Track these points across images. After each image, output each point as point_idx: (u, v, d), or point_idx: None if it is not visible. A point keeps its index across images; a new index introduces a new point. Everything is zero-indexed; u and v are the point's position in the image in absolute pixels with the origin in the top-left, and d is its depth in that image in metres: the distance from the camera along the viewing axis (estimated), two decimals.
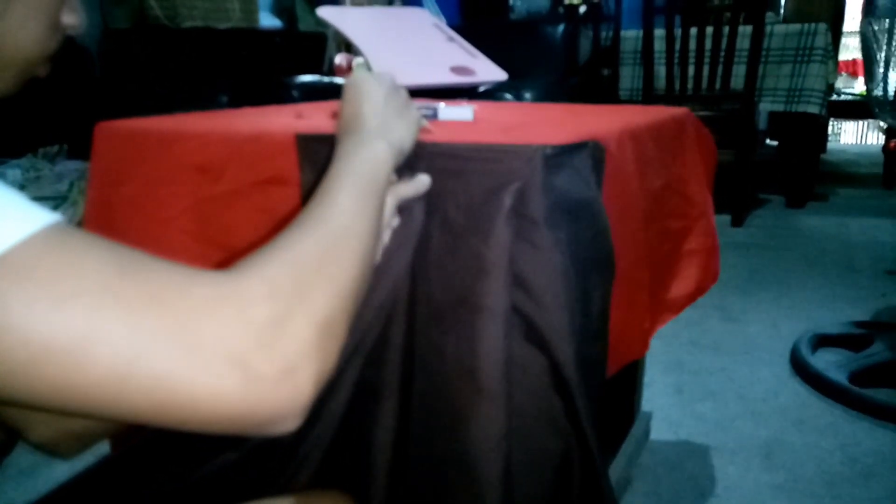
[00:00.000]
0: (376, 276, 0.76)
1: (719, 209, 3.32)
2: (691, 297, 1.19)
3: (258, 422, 0.40)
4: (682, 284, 1.20)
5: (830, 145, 5.59)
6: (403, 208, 0.72)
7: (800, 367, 1.76)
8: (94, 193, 0.96)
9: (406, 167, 0.72)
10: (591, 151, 0.78)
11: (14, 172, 1.50)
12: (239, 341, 0.39)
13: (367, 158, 0.59)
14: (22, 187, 1.37)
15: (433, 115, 0.99)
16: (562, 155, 0.72)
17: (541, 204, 0.69)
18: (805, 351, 1.81)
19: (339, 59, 2.79)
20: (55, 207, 1.29)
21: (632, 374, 1.34)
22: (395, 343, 0.75)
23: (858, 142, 7.13)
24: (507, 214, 0.69)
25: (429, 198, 0.73)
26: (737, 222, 3.15)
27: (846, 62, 5.97)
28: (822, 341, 1.90)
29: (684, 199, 1.18)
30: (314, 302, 0.43)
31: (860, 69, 6.80)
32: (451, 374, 0.71)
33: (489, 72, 2.18)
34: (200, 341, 0.38)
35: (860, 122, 7.15)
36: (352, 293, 0.48)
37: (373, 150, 0.61)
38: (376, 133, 0.63)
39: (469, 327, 0.70)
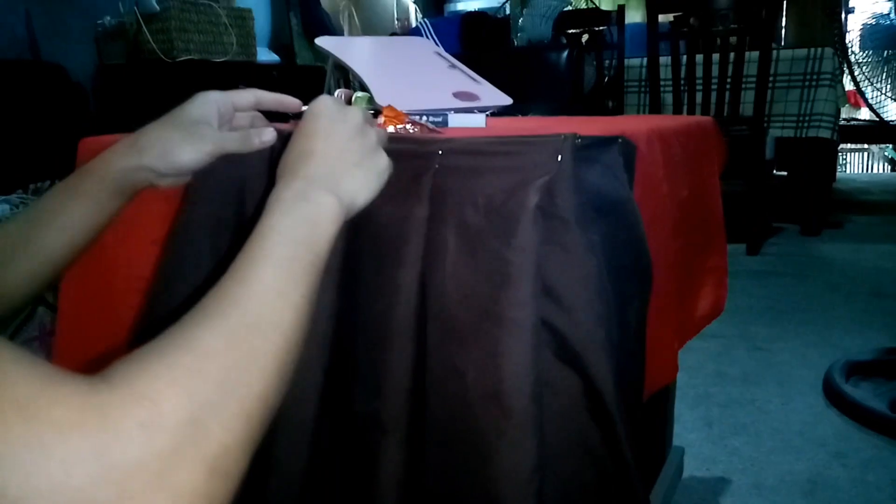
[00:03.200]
0: (367, 293, 0.68)
1: (732, 238, 3.23)
2: (708, 319, 1.10)
3: None
4: (701, 304, 1.11)
5: (839, 174, 5.53)
6: (401, 217, 0.64)
7: (835, 397, 1.65)
8: None
9: (411, 169, 0.65)
10: (621, 148, 0.70)
11: (2, 207, 1.45)
12: (104, 496, 0.28)
13: (306, 217, 0.48)
14: None
15: (443, 123, 0.92)
16: (592, 148, 0.65)
17: (571, 201, 0.61)
18: (839, 379, 1.70)
19: (338, 93, 2.76)
20: None
21: (661, 405, 1.25)
22: (400, 368, 0.66)
23: (865, 171, 7.09)
24: (534, 214, 0.60)
25: (441, 200, 0.65)
26: (752, 251, 3.06)
27: (849, 92, 5.93)
28: (856, 369, 1.79)
29: (707, 211, 1.10)
30: (210, 435, 0.33)
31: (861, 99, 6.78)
32: (473, 398, 0.62)
33: (493, 97, 2.12)
34: (52, 478, 0.27)
35: (865, 154, 7.12)
36: (260, 414, 0.37)
37: (316, 205, 0.49)
38: (324, 182, 0.52)
39: (492, 343, 0.61)
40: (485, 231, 0.62)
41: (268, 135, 0.63)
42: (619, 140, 0.69)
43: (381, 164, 0.59)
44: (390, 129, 0.84)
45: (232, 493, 0.34)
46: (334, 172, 0.53)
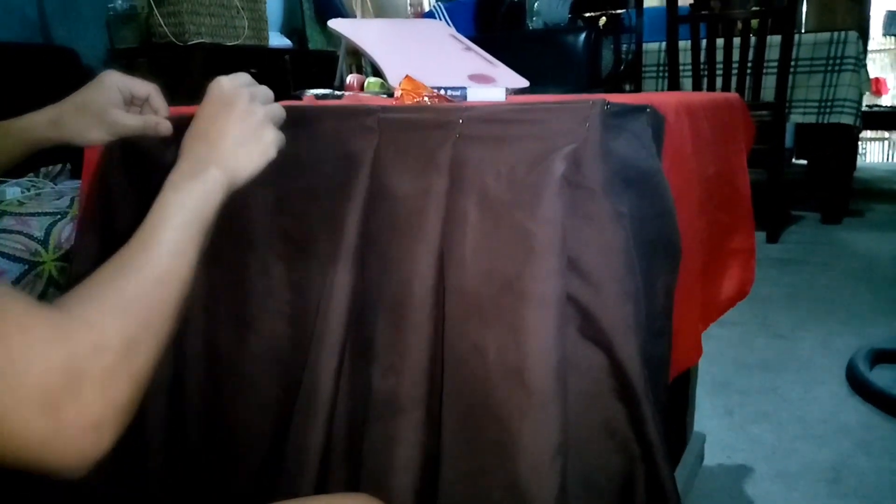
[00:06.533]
0: (385, 268, 0.65)
1: None
2: (732, 301, 1.07)
3: (52, 467, 0.40)
4: (726, 285, 1.08)
5: (859, 163, 5.45)
6: (419, 189, 0.62)
7: (859, 385, 1.61)
8: (89, 188, 0.87)
9: (429, 139, 0.63)
10: (649, 118, 0.67)
11: (13, 190, 1.45)
12: (58, 388, 0.39)
13: (197, 192, 0.57)
14: (20, 204, 1.32)
15: (462, 97, 0.89)
16: (620, 115, 0.62)
17: (599, 170, 0.58)
18: (863, 367, 1.66)
19: (350, 78, 2.73)
20: (55, 223, 1.23)
21: (683, 390, 1.22)
22: (418, 345, 0.64)
23: (885, 160, 6.99)
24: (559, 183, 0.58)
25: (461, 171, 0.62)
26: (772, 238, 3.01)
27: (871, 80, 5.82)
28: (880, 357, 1.75)
29: (734, 190, 1.07)
30: (138, 359, 0.44)
31: (883, 87, 6.67)
32: (494, 376, 0.60)
33: (509, 79, 2.09)
34: (20, 378, 0.38)
35: (885, 143, 7.02)
36: (166, 342, 0.48)
37: (205, 181, 0.58)
38: (213, 160, 0.60)
39: (515, 320, 0.58)
40: (507, 202, 0.60)
41: (164, 128, 0.76)
42: (648, 109, 0.66)
43: (266, 140, 0.63)
44: (408, 102, 0.81)
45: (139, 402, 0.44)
46: (222, 152, 0.60)
